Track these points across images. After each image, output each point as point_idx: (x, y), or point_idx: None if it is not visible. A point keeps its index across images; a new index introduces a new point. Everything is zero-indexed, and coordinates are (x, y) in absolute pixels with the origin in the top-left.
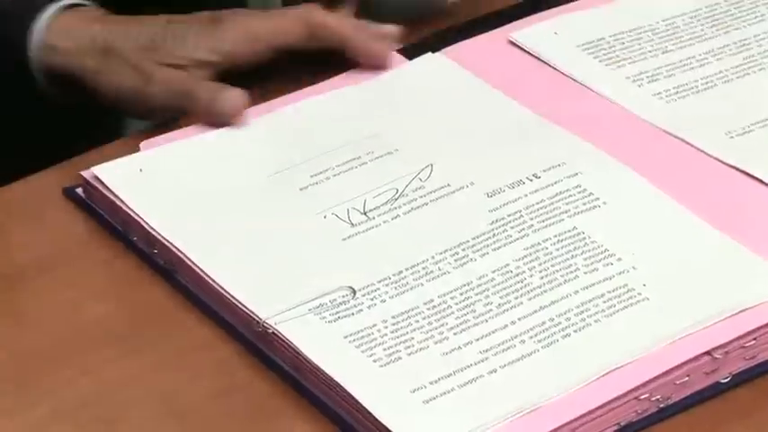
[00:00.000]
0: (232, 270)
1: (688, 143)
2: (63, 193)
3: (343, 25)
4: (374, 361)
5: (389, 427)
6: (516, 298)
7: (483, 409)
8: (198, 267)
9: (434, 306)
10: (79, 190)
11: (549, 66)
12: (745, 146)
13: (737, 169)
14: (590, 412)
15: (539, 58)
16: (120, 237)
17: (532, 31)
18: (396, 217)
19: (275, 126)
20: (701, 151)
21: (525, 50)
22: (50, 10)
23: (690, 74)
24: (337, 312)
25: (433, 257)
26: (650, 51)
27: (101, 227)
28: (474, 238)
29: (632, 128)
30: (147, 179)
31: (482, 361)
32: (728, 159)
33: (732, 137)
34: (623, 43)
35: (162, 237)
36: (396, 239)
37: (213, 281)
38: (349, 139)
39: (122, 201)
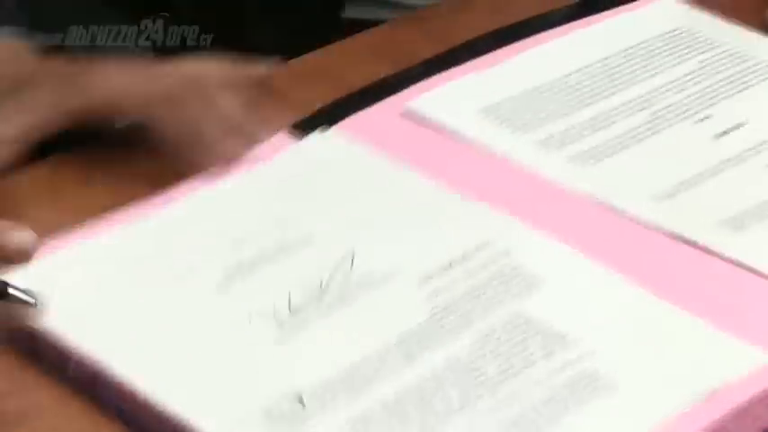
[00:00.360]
0: (159, 387)
1: (611, 209)
2: None
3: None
4: None
5: None
6: (475, 387)
7: None
8: (124, 388)
9: (390, 407)
10: None
11: (451, 134)
12: (673, 208)
13: (670, 234)
14: None
15: (438, 127)
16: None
17: (429, 97)
18: (326, 313)
19: (178, 221)
20: (628, 217)
21: (424, 119)
22: None
23: (600, 134)
24: (287, 425)
25: (376, 354)
26: (553, 113)
27: None
28: (415, 330)
29: (551, 196)
30: (50, 290)
31: None
32: (660, 225)
33: (658, 199)
34: (525, 105)
35: (76, 355)
36: (332, 337)
37: (142, 401)
38: (257, 229)
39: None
